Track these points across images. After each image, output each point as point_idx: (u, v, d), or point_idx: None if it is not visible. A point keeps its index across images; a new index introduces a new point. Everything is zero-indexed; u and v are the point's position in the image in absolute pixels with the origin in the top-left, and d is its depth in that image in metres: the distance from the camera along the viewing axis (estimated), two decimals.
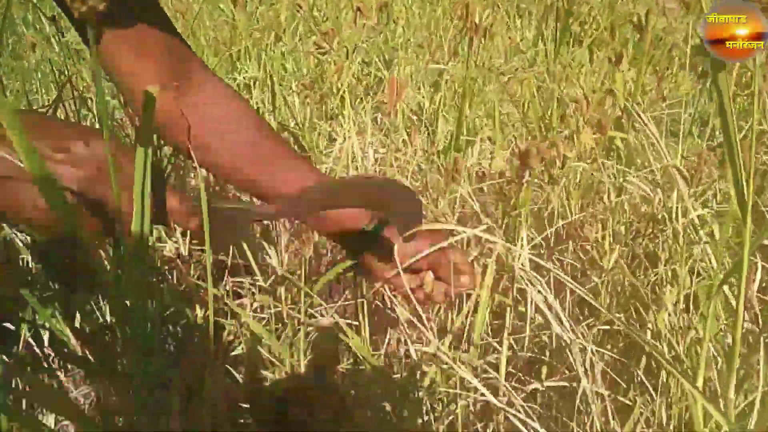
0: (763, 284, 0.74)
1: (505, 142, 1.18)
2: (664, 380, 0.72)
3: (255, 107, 1.62)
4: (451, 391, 0.83)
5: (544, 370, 0.87)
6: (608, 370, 0.76)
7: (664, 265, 0.82)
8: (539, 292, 0.78)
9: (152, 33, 0.61)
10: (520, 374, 0.91)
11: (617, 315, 0.80)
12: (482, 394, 0.72)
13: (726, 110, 0.41)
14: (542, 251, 0.98)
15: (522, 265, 0.86)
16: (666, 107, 1.34)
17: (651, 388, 0.73)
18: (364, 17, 1.66)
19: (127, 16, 0.58)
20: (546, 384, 0.79)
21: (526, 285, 0.81)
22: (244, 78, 1.76)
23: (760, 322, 0.70)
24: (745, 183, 0.40)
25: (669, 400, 0.70)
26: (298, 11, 2.14)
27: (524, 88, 1.01)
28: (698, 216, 0.82)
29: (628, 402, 0.73)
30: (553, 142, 0.88)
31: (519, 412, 0.67)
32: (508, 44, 1.71)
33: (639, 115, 0.80)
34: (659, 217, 0.90)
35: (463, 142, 1.10)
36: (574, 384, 0.76)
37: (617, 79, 0.94)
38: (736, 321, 0.45)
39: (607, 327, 0.82)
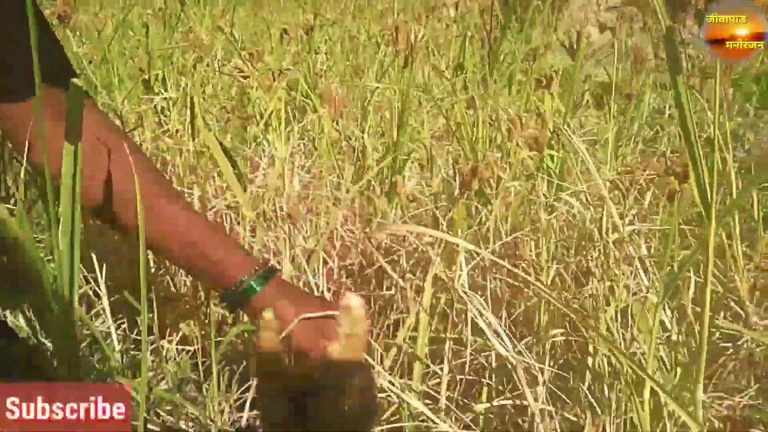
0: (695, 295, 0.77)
1: (437, 165, 1.19)
2: (607, 394, 0.72)
3: (174, 131, 1.55)
4: (393, 418, 0.80)
5: (485, 390, 0.86)
6: (552, 387, 0.76)
7: (598, 282, 0.84)
8: (477, 308, 0.78)
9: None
10: (460, 398, 0.89)
11: (558, 331, 0.81)
12: (431, 420, 0.69)
13: (683, 106, 0.42)
14: (478, 271, 0.97)
15: (462, 285, 0.85)
16: (584, 134, 1.40)
17: (595, 403, 0.73)
18: (289, 38, 1.64)
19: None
20: (491, 404, 0.78)
21: (466, 302, 0.80)
22: (161, 99, 1.68)
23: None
24: (707, 183, 0.41)
25: (612, 414, 0.71)
26: (217, 35, 2.09)
27: (456, 111, 1.02)
28: (628, 233, 0.84)
29: (573, 418, 0.73)
30: (488, 162, 0.89)
31: None
32: (429, 70, 1.74)
33: (569, 135, 0.82)
34: (589, 234, 0.92)
35: (398, 164, 1.09)
36: (522, 402, 0.75)
37: (546, 101, 0.97)
38: (702, 324, 0.45)
39: (558, 339, 0.82)
